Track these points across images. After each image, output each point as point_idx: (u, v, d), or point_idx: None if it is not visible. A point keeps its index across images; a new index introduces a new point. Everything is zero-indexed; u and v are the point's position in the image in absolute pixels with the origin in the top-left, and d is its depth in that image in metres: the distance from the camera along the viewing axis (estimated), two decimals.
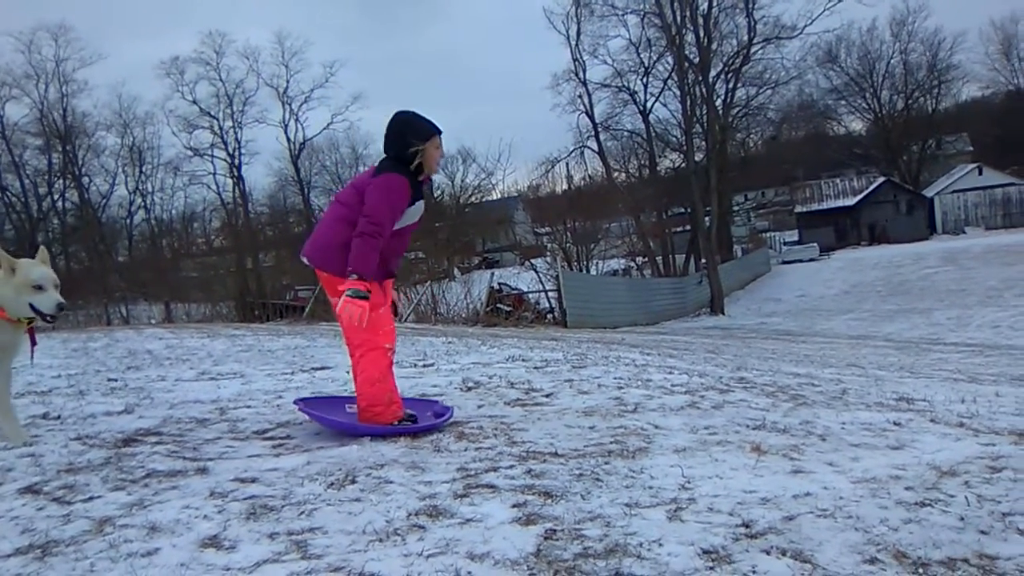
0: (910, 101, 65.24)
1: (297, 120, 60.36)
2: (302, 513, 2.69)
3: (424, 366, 6.69)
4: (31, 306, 3.55)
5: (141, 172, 56.70)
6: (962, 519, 2.54)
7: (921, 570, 2.14)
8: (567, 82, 44.69)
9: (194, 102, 54.52)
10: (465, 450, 3.55)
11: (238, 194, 55.66)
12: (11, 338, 3.69)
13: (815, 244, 51.50)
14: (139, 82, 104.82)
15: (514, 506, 2.70)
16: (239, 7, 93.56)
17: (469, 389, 5.30)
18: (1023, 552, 2.25)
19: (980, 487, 2.95)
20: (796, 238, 56.69)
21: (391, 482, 3.04)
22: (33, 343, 3.77)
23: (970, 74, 66.82)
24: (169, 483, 3.08)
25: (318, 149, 63.58)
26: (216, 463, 3.42)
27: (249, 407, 4.83)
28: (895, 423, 4.29)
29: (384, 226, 3.73)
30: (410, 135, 3.89)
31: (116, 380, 6.25)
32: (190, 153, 54.96)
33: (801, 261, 48.54)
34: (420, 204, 3.99)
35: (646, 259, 41.87)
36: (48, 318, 3.59)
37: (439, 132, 3.98)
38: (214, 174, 55.62)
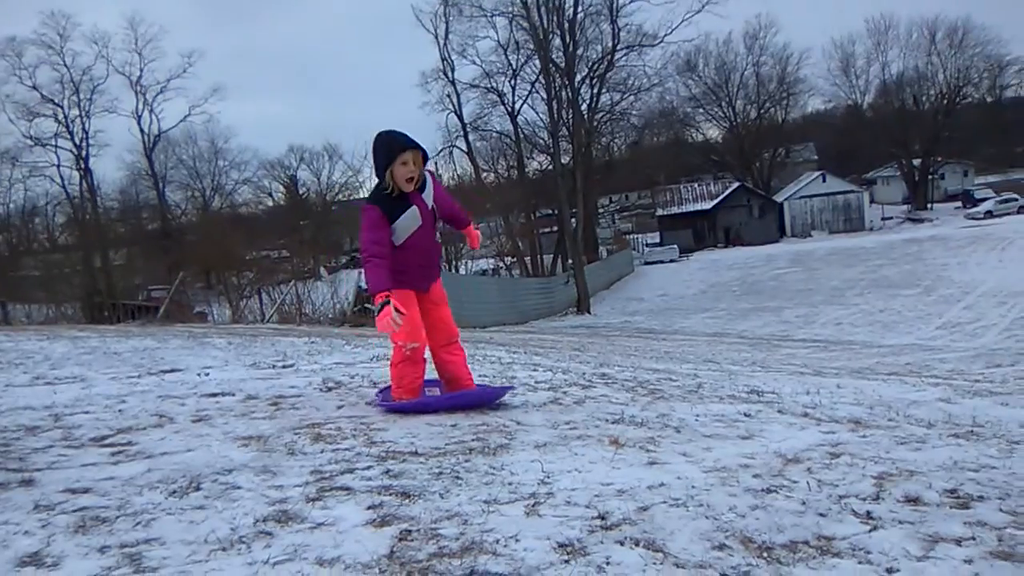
0: (762, 111, 69.14)
1: (152, 111, 57.49)
2: (138, 524, 2.49)
3: (283, 367, 6.45)
4: None
5: None
6: (804, 503, 2.65)
7: (766, 554, 2.21)
8: (436, 81, 44.77)
9: (34, 87, 50.81)
10: (321, 452, 3.41)
11: (85, 188, 52.06)
12: None
13: (675, 246, 53.64)
14: None
15: (369, 508, 2.61)
16: None
17: (329, 390, 5.14)
18: (856, 532, 2.37)
19: (821, 472, 3.09)
20: (658, 240, 58.82)
21: (239, 488, 2.87)
22: None
23: (815, 88, 71.63)
24: None
25: (175, 142, 60.77)
26: (44, 473, 3.14)
27: (87, 412, 4.48)
28: (746, 414, 4.47)
29: (370, 250, 4.07)
30: (379, 157, 4.13)
31: None
32: (30, 142, 51.00)
33: (662, 262, 50.46)
34: (409, 213, 4.18)
35: (515, 259, 42.36)
36: None
37: (405, 148, 4.09)
38: (58, 166, 51.82)
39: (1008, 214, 50.51)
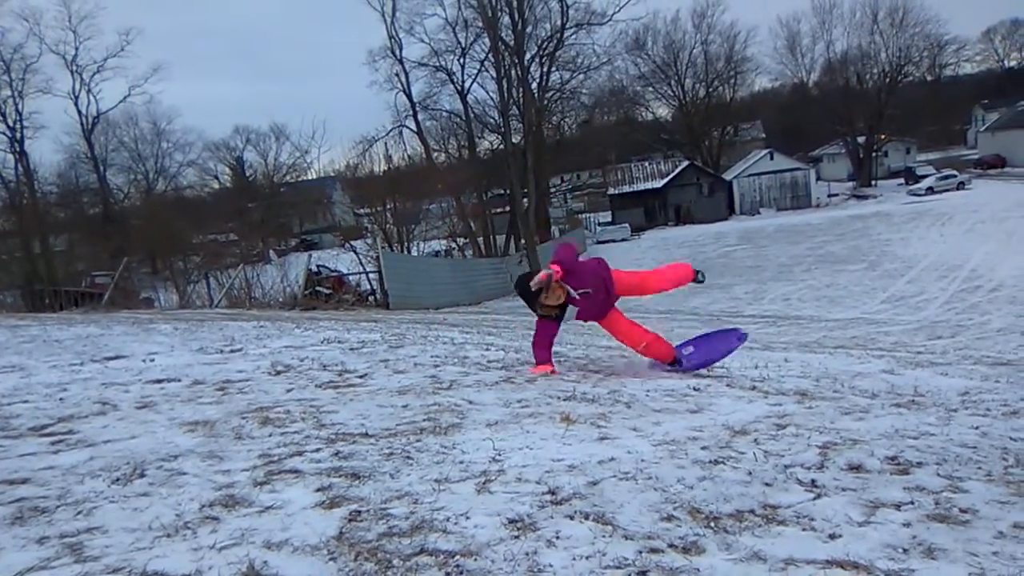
0: (711, 89, 69.68)
1: (89, 92, 55.66)
2: (79, 513, 2.43)
3: (231, 351, 6.34)
4: None
5: None
6: (750, 473, 2.69)
7: (713, 523, 2.24)
8: (384, 59, 43.99)
9: None
10: (269, 435, 3.37)
11: (21, 171, 50.26)
12: None
13: (626, 224, 53.98)
14: None
15: (318, 490, 2.58)
16: None
17: (278, 373, 5.07)
18: (800, 500, 2.42)
19: (767, 443, 3.15)
20: (609, 219, 59.11)
21: (184, 473, 2.82)
22: None
23: (762, 66, 72.47)
24: None
25: (115, 124, 59.00)
26: None
27: (26, 402, 4.35)
28: (695, 388, 4.52)
29: None
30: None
31: None
32: None
33: (614, 241, 50.78)
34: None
35: (467, 240, 42.22)
36: None
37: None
38: None
39: (948, 190, 51.81)
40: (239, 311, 16.33)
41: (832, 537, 2.14)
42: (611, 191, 60.97)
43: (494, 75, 39.08)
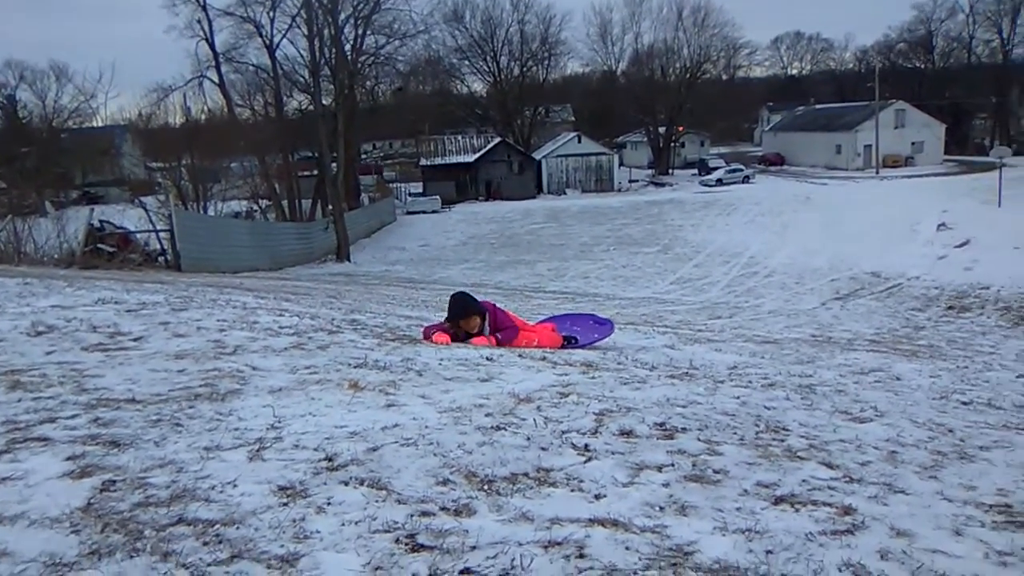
0: (525, 69, 70.94)
1: None
2: None
3: None
4: None
5: None
6: (529, 439, 2.76)
7: (487, 486, 2.27)
8: (185, 3, 40.84)
9: None
10: (19, 401, 3.04)
11: None
12: None
13: (437, 197, 54.00)
14: None
15: (69, 459, 2.36)
16: None
17: (39, 334, 4.60)
18: (572, 463, 2.51)
19: (549, 410, 3.25)
20: (421, 190, 58.91)
21: None
22: None
23: (574, 51, 74.80)
24: None
25: None
26: None
27: None
28: (488, 358, 4.59)
29: None
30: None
31: None
32: None
33: (425, 212, 50.66)
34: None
35: (271, 202, 40.52)
36: None
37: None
38: None
39: (735, 183, 56.07)
40: (5, 268, 14.73)
41: (597, 497, 2.24)
42: (423, 162, 60.69)
43: (305, 32, 37.49)
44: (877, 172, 56.72)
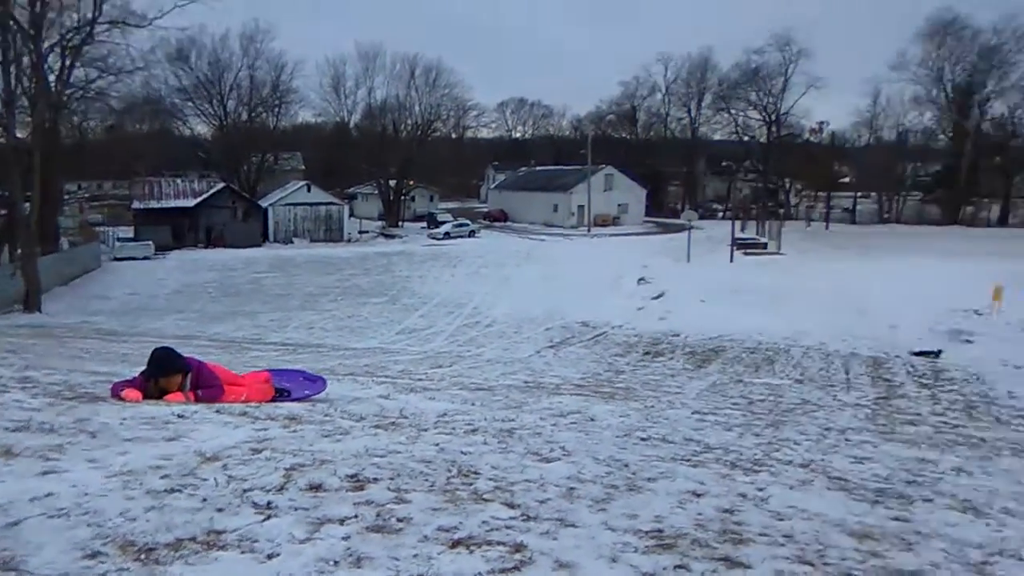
0: (253, 114, 68.85)
1: None
2: None
3: None
4: None
5: None
6: (205, 500, 2.59)
7: (144, 555, 2.08)
8: None
9: None
10: None
11: None
12: None
13: (150, 242, 50.27)
14: None
15: None
16: None
17: None
18: (249, 523, 2.39)
19: (236, 468, 3.07)
20: (132, 235, 54.45)
21: None
22: None
23: (306, 100, 73.85)
24: None
25: None
26: None
27: None
28: (179, 415, 4.28)
29: None
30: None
31: None
32: None
33: (135, 259, 46.93)
34: None
35: None
36: None
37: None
38: None
39: (462, 237, 58.23)
40: None
41: (270, 557, 2.14)
42: (136, 205, 56.21)
43: (0, 57, 33.50)
44: (589, 230, 61.74)
